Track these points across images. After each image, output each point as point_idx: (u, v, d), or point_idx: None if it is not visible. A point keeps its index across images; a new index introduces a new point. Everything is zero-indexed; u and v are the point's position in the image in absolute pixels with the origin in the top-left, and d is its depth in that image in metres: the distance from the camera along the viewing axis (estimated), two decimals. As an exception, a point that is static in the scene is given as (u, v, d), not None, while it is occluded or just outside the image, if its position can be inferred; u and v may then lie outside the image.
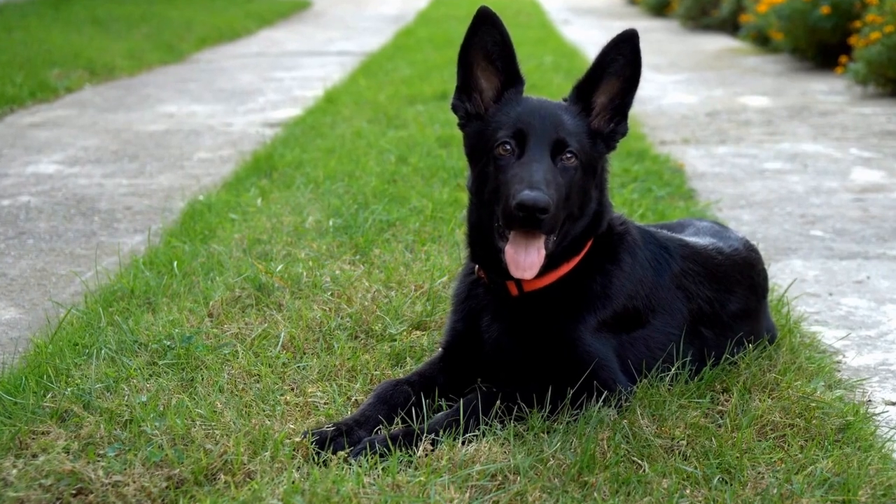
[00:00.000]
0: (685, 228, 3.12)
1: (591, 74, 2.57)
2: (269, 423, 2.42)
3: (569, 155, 2.48)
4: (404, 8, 20.08)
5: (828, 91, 8.83)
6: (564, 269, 2.59)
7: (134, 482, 2.19)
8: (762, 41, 11.79)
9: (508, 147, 2.47)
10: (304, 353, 2.94)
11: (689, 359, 2.68)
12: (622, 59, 2.55)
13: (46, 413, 2.50)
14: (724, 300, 2.81)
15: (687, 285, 2.73)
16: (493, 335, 2.61)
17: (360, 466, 2.22)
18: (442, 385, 2.61)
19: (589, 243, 2.62)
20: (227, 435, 2.35)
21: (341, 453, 2.27)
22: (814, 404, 2.58)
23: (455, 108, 2.64)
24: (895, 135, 6.83)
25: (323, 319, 3.14)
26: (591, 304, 2.57)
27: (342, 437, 2.32)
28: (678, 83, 9.46)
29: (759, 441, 2.42)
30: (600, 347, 2.54)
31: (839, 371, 2.98)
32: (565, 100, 2.60)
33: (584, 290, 2.58)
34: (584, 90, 2.58)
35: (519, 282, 2.57)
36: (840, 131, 7.02)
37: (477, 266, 2.67)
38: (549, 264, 2.52)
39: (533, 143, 2.46)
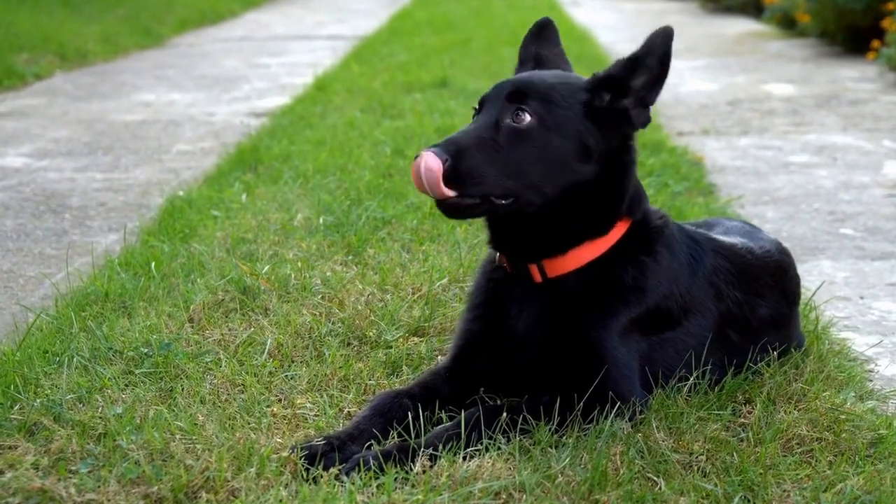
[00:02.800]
0: (713, 227, 3.11)
1: (627, 63, 2.62)
2: (254, 436, 2.42)
3: (519, 114, 2.52)
4: (401, -12, 20.08)
5: (858, 78, 8.84)
6: (588, 252, 2.59)
7: (108, 500, 2.19)
8: (788, 24, 11.79)
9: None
10: (293, 362, 2.94)
11: (711, 366, 2.68)
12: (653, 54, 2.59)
13: (13, 426, 2.50)
14: (753, 303, 2.81)
15: (718, 283, 2.74)
16: (521, 328, 2.60)
17: (353, 484, 2.22)
18: (446, 397, 2.60)
19: (618, 230, 2.62)
20: (209, 449, 2.35)
21: (333, 470, 2.27)
22: (843, 416, 2.58)
23: None
24: (931, 125, 6.84)
25: (313, 325, 3.14)
26: (624, 299, 2.57)
27: (333, 453, 2.32)
28: (697, 69, 9.46)
29: (785, 456, 2.42)
30: (625, 353, 2.54)
31: (871, 381, 2.98)
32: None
33: (615, 282, 2.58)
34: (622, 74, 2.62)
35: (542, 267, 2.59)
36: (872, 121, 7.02)
37: (498, 253, 2.68)
38: (557, 240, 2.56)
39: (488, 104, 2.59)
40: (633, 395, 2.52)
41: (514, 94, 2.55)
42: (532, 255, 2.61)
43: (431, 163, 2.42)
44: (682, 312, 2.66)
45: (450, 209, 2.49)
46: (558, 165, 2.54)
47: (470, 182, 2.46)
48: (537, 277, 2.61)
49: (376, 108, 7.05)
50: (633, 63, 2.60)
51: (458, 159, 2.45)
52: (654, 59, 2.58)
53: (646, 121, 2.64)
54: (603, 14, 15.35)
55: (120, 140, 6.56)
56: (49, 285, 3.75)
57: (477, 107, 2.62)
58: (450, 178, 2.44)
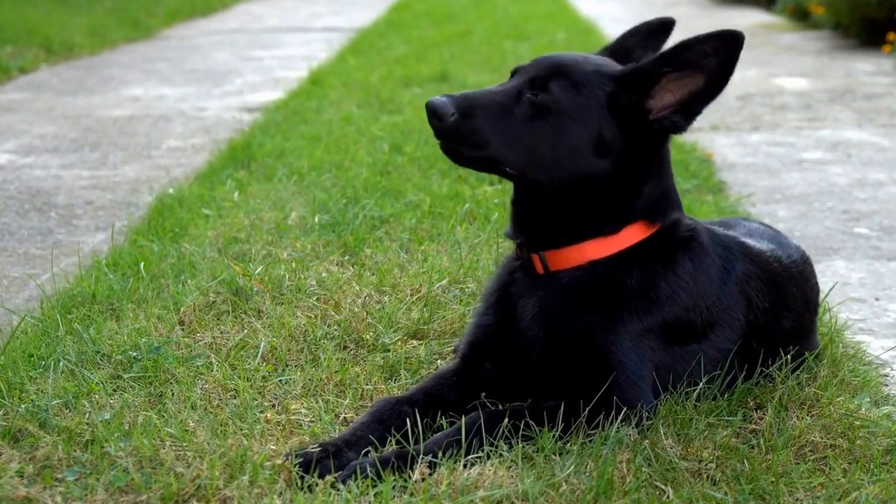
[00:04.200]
0: (732, 228, 3.05)
1: (670, 55, 2.54)
2: (247, 443, 2.42)
3: (542, 89, 2.53)
4: (399, -22, 20.08)
5: (874, 71, 8.84)
6: (591, 249, 2.59)
7: (96, 510, 2.19)
8: (801, 16, 11.79)
9: None
10: (287, 366, 2.94)
11: (734, 376, 2.67)
12: (714, 59, 2.51)
13: (-3, 432, 2.50)
14: (778, 314, 2.79)
15: (748, 292, 2.72)
16: (525, 324, 2.61)
17: (350, 492, 2.22)
18: (450, 405, 2.60)
19: (631, 232, 2.61)
20: (200, 457, 2.35)
21: (329, 478, 2.27)
22: (858, 423, 2.58)
23: None
24: (949, 121, 6.84)
25: (308, 328, 3.14)
26: (631, 304, 2.56)
27: (329, 460, 2.32)
28: (706, 63, 9.44)
29: (797, 464, 2.43)
30: (635, 360, 2.53)
31: (887, 385, 2.99)
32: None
33: (618, 285, 2.57)
34: (652, 70, 2.56)
35: (543, 258, 2.60)
36: (888, 116, 7.03)
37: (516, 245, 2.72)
38: (557, 232, 2.58)
39: (517, 75, 2.61)
40: (641, 400, 2.52)
41: (546, 70, 2.56)
42: (536, 242, 2.63)
43: (439, 112, 2.49)
44: (708, 326, 2.65)
45: (447, 152, 2.57)
46: (570, 152, 2.55)
47: (471, 143, 2.51)
48: (539, 268, 2.63)
49: (373, 102, 7.05)
50: (670, 59, 2.53)
51: (465, 117, 2.49)
52: (715, 61, 2.50)
53: (679, 128, 2.58)
54: (608, 5, 15.34)
55: (108, 136, 6.56)
56: (34, 286, 3.75)
57: (511, 74, 2.65)
58: (451, 134, 2.50)
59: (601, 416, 2.46)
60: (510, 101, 2.54)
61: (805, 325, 2.92)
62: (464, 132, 2.50)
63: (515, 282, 2.70)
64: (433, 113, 2.49)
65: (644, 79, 2.55)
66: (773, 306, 2.78)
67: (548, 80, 2.54)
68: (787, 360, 2.82)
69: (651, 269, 2.60)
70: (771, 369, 2.79)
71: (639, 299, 2.57)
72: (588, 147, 2.55)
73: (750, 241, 2.87)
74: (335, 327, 3.16)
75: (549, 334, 2.58)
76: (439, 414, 2.56)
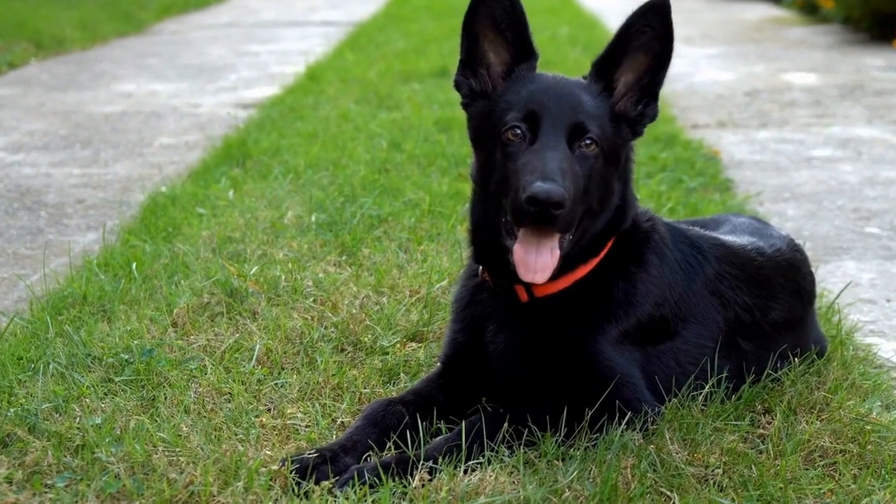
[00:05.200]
0: (721, 226, 3.13)
1: (612, 49, 2.59)
2: (241, 448, 2.42)
3: (588, 141, 2.50)
4: (398, -29, 20.09)
5: (885, 67, 8.84)
6: (581, 271, 2.60)
7: (86, 517, 2.19)
8: (810, 10, 11.80)
9: (519, 131, 2.50)
10: (283, 369, 2.94)
11: (725, 374, 2.69)
12: (650, 31, 2.55)
13: (-14, 437, 2.50)
14: (765, 307, 2.82)
15: (722, 291, 2.75)
16: (500, 347, 2.62)
17: (347, 498, 2.22)
18: (441, 405, 2.62)
19: (610, 243, 2.63)
20: (193, 462, 2.35)
21: (325, 483, 2.27)
22: (869, 427, 2.58)
23: (458, 85, 2.67)
24: (962, 117, 6.84)
25: (304, 329, 3.14)
26: (612, 313, 2.59)
27: (326, 465, 2.33)
28: (713, 58, 9.47)
29: (806, 469, 2.43)
30: (623, 362, 2.55)
31: (898, 389, 2.99)
32: (585, 78, 2.61)
33: (605, 297, 2.60)
34: (605, 67, 2.59)
35: (529, 286, 2.59)
36: (899, 113, 7.04)
37: (481, 268, 2.69)
38: (564, 266, 2.54)
39: (547, 126, 2.48)
40: (644, 403, 2.52)
41: (577, 115, 2.50)
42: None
43: (563, 200, 2.36)
44: (679, 321, 2.67)
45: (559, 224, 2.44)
46: (607, 187, 2.57)
47: (574, 213, 2.46)
48: (524, 297, 2.62)
49: (372, 98, 7.05)
50: (614, 52, 2.57)
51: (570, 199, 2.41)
52: (647, 36, 2.55)
53: (655, 115, 2.63)
54: (613, -1, 15.36)
55: (99, 133, 6.57)
56: (23, 287, 3.75)
57: (520, 116, 2.49)
58: (566, 214, 2.41)
59: (604, 419, 2.47)
60: (572, 161, 2.47)
61: (798, 316, 2.93)
62: (574, 207, 2.44)
63: (482, 305, 2.70)
64: (558, 204, 2.35)
65: (607, 81, 2.59)
66: (758, 300, 2.81)
67: (583, 123, 2.50)
68: (795, 362, 2.82)
69: (630, 274, 2.63)
70: (779, 373, 2.79)
71: (621, 307, 2.60)
72: (613, 174, 2.58)
73: (729, 239, 2.90)
74: (332, 329, 3.16)
75: (532, 356, 2.58)
76: (434, 413, 2.58)
